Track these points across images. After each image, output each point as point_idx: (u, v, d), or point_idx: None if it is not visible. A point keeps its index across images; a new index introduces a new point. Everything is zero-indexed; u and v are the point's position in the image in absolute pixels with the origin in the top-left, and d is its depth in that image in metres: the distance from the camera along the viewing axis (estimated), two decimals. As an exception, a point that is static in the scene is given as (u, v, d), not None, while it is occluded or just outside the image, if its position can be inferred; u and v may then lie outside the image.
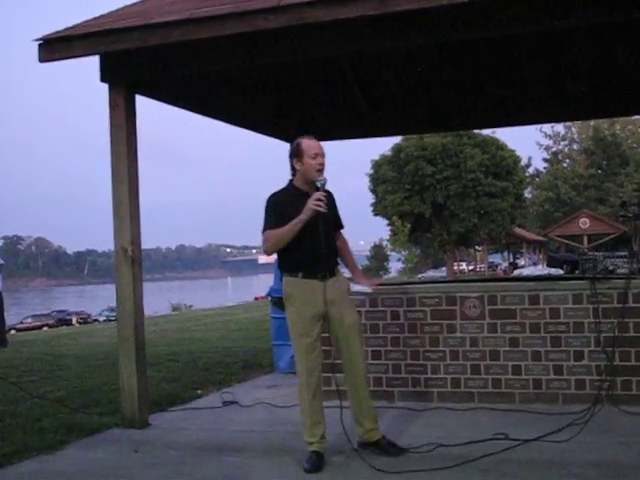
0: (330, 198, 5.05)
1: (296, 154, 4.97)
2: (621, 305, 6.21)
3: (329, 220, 4.98)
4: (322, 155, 4.94)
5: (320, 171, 4.91)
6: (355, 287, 5.44)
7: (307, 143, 4.98)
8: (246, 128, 9.43)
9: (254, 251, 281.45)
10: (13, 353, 12.86)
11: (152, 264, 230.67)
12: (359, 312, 6.79)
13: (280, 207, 4.89)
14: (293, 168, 5.02)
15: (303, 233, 4.83)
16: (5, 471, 5.10)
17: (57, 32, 6.06)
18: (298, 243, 4.87)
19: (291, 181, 5.06)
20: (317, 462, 4.85)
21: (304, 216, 4.77)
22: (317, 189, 4.90)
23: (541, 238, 55.92)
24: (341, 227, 5.27)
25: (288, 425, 6.07)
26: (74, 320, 48.56)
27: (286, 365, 8.76)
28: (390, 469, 4.69)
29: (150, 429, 6.23)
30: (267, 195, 5.00)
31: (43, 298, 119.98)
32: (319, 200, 4.75)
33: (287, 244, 4.89)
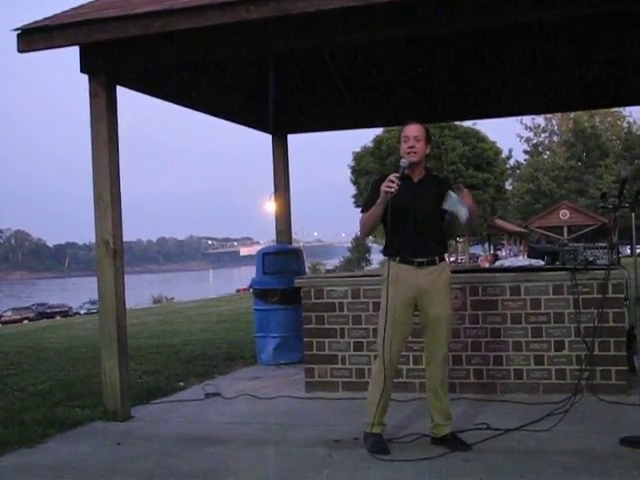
0: (441, 184, 5.06)
1: (398, 140, 5.01)
2: (601, 295, 6.25)
3: (432, 207, 4.88)
4: (414, 138, 4.90)
5: (410, 154, 4.87)
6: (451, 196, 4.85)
7: (404, 129, 4.99)
8: (228, 119, 9.41)
9: (235, 243, 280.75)
10: (-7, 346, 12.78)
11: (133, 256, 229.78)
12: (342, 303, 6.85)
13: (378, 190, 4.80)
14: None
15: (400, 218, 4.82)
16: (-14, 464, 5.08)
17: (36, 22, 6.02)
18: (396, 228, 4.88)
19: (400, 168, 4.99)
20: (383, 444, 4.89)
21: (379, 199, 4.75)
22: (402, 170, 4.82)
23: (522, 229, 56.13)
24: None
25: (271, 417, 6.09)
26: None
27: (268, 357, 8.78)
28: (372, 458, 4.73)
29: (132, 422, 6.22)
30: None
31: (24, 291, 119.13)
32: (390, 182, 4.68)
33: (388, 227, 4.89)
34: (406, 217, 4.85)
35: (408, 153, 4.89)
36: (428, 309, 4.95)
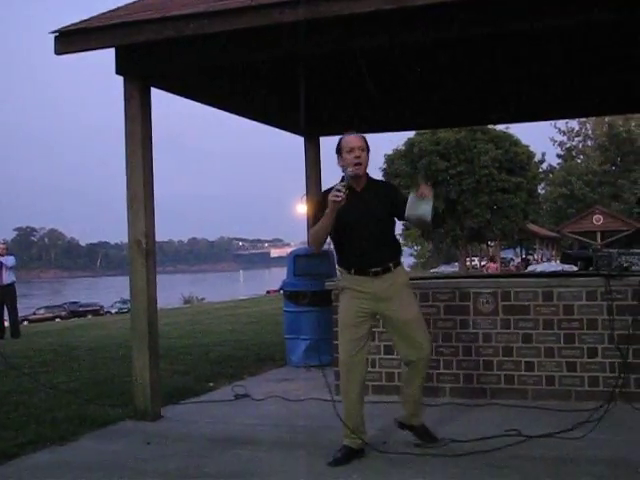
0: (386, 189, 5.07)
1: (337, 151, 4.96)
2: (635, 302, 6.19)
3: (381, 213, 4.90)
4: (360, 148, 4.84)
5: (357, 165, 4.82)
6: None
7: (345, 139, 4.93)
8: (260, 121, 9.43)
9: (266, 244, 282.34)
10: (26, 344, 12.91)
11: (164, 257, 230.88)
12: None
13: (325, 203, 4.76)
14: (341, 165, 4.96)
15: (349, 229, 4.82)
16: (19, 461, 5.14)
17: (73, 24, 6.07)
18: (347, 239, 4.88)
19: (342, 178, 4.92)
20: (342, 457, 4.83)
21: (328, 210, 4.69)
22: (343, 180, 4.76)
23: (554, 234, 55.67)
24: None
25: (299, 419, 6.10)
26: None
27: (298, 359, 8.78)
28: (402, 463, 4.70)
29: (162, 421, 6.25)
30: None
31: (56, 289, 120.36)
32: (337, 191, 4.63)
33: (338, 240, 4.91)
34: (355, 228, 4.82)
35: (355, 165, 4.82)
36: (393, 315, 4.91)
